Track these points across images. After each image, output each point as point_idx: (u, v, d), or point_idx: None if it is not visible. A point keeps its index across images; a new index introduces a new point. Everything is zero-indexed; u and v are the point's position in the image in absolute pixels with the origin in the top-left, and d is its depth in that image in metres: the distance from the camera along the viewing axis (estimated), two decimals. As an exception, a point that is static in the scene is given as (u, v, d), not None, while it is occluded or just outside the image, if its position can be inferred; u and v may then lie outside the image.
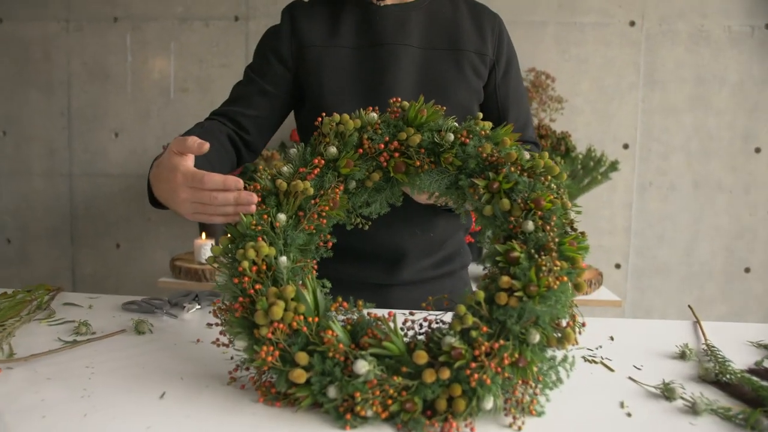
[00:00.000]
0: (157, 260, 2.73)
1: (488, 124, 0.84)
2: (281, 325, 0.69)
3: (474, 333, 0.65)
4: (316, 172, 0.83)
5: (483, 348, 0.64)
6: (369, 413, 0.64)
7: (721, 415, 0.68)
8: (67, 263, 2.80)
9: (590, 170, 2.19)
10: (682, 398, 0.72)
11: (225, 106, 1.17)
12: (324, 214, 0.83)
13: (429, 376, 0.63)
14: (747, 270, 2.59)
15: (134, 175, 2.70)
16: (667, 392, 0.73)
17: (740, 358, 0.86)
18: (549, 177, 0.77)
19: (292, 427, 0.64)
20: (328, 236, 0.84)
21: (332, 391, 0.66)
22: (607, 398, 0.73)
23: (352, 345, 0.69)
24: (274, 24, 1.19)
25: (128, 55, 2.64)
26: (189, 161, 0.84)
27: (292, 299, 0.71)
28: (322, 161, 0.84)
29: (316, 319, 0.72)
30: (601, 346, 0.92)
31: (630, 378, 0.79)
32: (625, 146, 2.54)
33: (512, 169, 0.78)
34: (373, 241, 1.11)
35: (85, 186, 2.74)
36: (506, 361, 0.64)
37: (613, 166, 2.21)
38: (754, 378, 0.76)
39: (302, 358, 0.68)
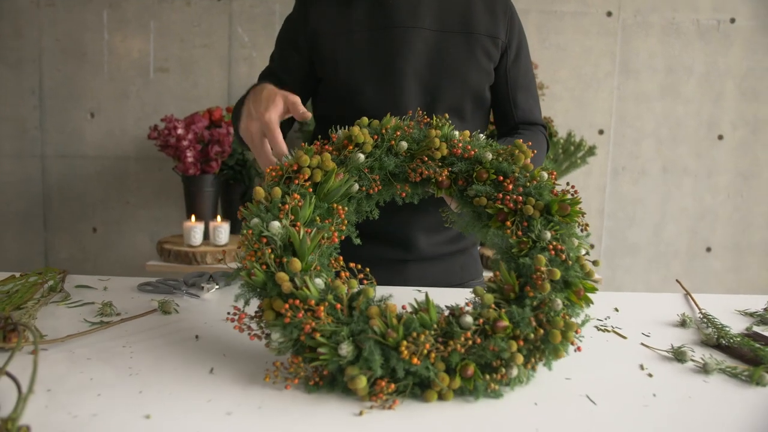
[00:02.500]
0: (136, 244, 2.70)
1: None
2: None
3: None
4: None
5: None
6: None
7: (729, 373, 0.75)
8: (40, 248, 2.73)
9: (570, 155, 2.27)
10: (693, 360, 0.79)
11: None
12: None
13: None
14: (708, 249, 2.74)
15: (112, 157, 2.65)
16: (678, 355, 0.80)
17: (732, 325, 0.94)
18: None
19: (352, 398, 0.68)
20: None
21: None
22: (627, 362, 0.79)
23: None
24: (285, 22, 1.24)
25: (105, 32, 2.58)
26: (278, 113, 0.93)
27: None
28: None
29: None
30: (609, 317, 0.99)
31: (643, 344, 0.86)
32: (601, 132, 2.64)
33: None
34: (389, 218, 1.15)
35: (59, 168, 2.67)
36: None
37: (591, 151, 2.30)
38: (752, 341, 0.84)
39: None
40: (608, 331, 0.92)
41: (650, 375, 0.75)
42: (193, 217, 2.09)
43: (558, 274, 0.72)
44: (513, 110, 1.24)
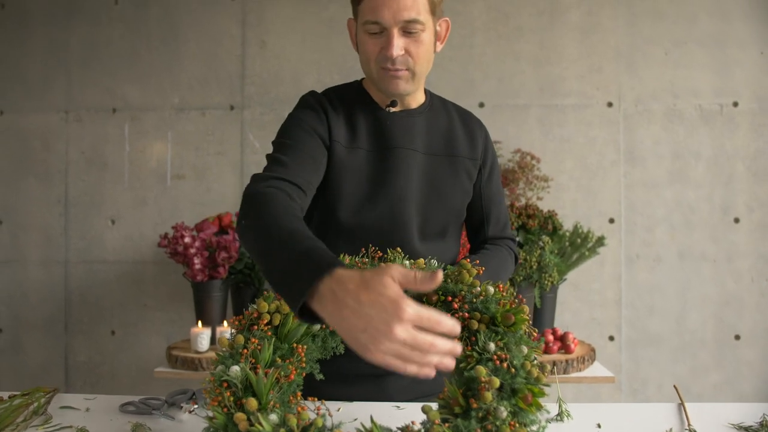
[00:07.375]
0: (152, 346, 2.73)
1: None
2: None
3: None
4: None
5: None
6: None
7: None
8: (61, 351, 2.78)
9: (578, 246, 2.25)
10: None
11: (281, 171, 1.06)
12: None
13: None
14: (737, 337, 2.61)
15: (130, 261, 2.73)
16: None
17: (725, 444, 0.89)
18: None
19: None
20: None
21: None
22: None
23: None
24: (300, 108, 1.18)
25: (126, 144, 2.74)
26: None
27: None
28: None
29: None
30: (590, 437, 0.94)
31: (618, 471, 0.81)
32: (611, 221, 2.62)
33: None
34: None
35: (80, 273, 2.76)
36: None
37: (600, 241, 2.28)
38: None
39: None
40: (585, 453, 0.87)
41: None
42: (199, 323, 2.11)
43: (497, 382, 0.73)
44: (486, 225, 1.29)
